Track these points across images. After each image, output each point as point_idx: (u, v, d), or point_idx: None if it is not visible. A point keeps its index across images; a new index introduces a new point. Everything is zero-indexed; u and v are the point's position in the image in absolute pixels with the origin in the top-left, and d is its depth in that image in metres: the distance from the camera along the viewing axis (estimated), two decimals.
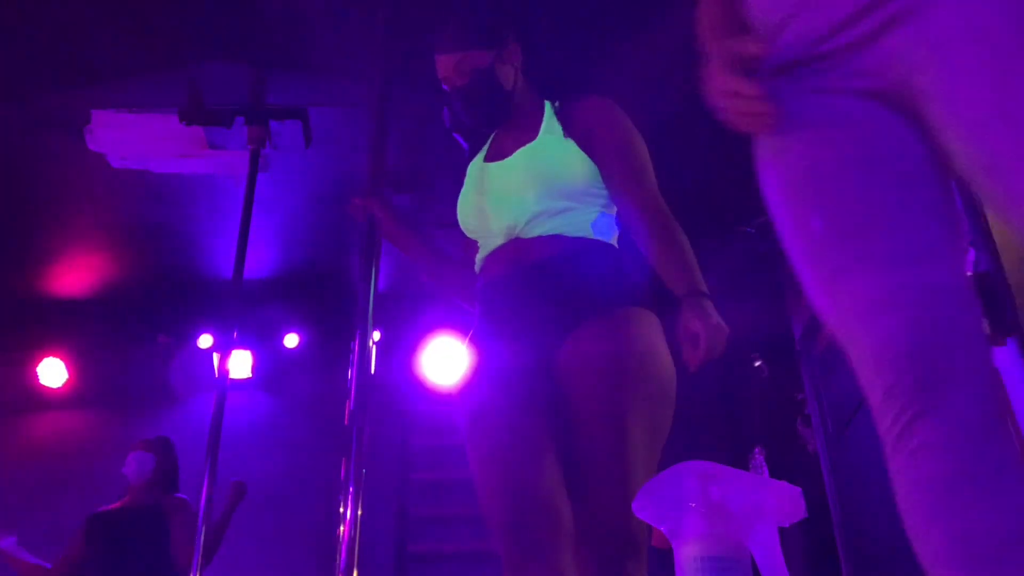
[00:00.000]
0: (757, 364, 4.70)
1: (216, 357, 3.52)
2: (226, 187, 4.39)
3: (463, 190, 2.12)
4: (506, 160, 2.02)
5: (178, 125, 3.83)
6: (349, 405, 1.76)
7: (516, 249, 1.93)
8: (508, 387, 1.84)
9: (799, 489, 0.72)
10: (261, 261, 5.01)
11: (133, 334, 5.47)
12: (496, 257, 1.97)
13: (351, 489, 1.65)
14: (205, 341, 5.31)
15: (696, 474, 0.72)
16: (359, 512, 1.63)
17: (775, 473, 4.24)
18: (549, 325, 1.85)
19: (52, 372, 5.35)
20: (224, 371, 3.43)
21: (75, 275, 5.14)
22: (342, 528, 1.62)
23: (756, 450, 4.83)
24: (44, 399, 5.41)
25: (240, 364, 5.21)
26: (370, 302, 1.87)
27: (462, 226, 2.09)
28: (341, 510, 1.64)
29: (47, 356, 5.36)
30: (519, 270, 1.91)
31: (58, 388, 5.37)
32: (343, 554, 1.58)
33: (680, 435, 5.39)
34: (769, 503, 0.72)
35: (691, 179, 3.98)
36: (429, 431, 5.08)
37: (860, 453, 3.40)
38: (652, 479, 0.71)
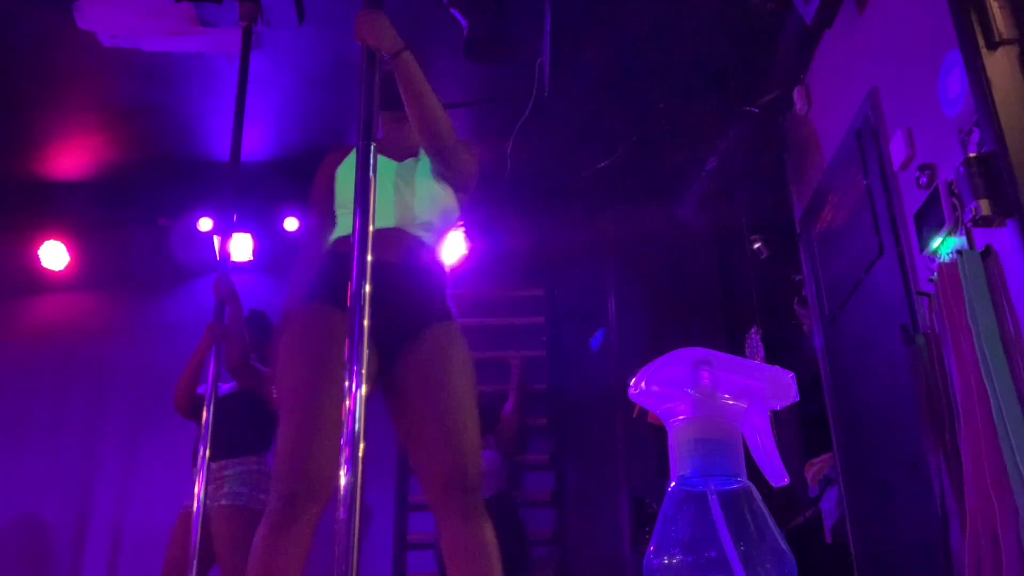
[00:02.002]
0: (756, 245, 4.71)
1: (216, 240, 3.53)
2: (221, 67, 4.31)
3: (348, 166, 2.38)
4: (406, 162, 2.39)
5: (168, 1, 3.73)
6: (351, 288, 1.78)
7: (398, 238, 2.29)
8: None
9: (792, 374, 0.74)
10: (259, 143, 4.96)
11: (132, 217, 5.47)
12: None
13: (355, 368, 1.68)
14: (205, 224, 5.30)
15: (690, 360, 0.73)
16: (364, 387, 1.67)
17: (771, 352, 4.31)
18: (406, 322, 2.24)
19: (54, 254, 5.37)
20: (225, 254, 3.45)
21: (72, 157, 5.09)
22: (347, 403, 1.65)
23: (753, 330, 4.94)
24: (47, 282, 5.45)
25: (241, 247, 5.22)
26: (371, 187, 1.87)
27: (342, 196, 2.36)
28: (346, 384, 1.67)
29: (48, 239, 5.37)
30: (390, 264, 2.21)
31: (60, 271, 5.40)
32: (350, 426, 1.63)
33: (679, 315, 5.49)
34: (761, 388, 0.74)
35: (695, 59, 3.92)
36: None
37: (854, 334, 3.45)
38: (648, 364, 0.72)
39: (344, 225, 2.33)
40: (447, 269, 2.43)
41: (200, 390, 3.71)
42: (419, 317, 2.25)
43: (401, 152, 2.42)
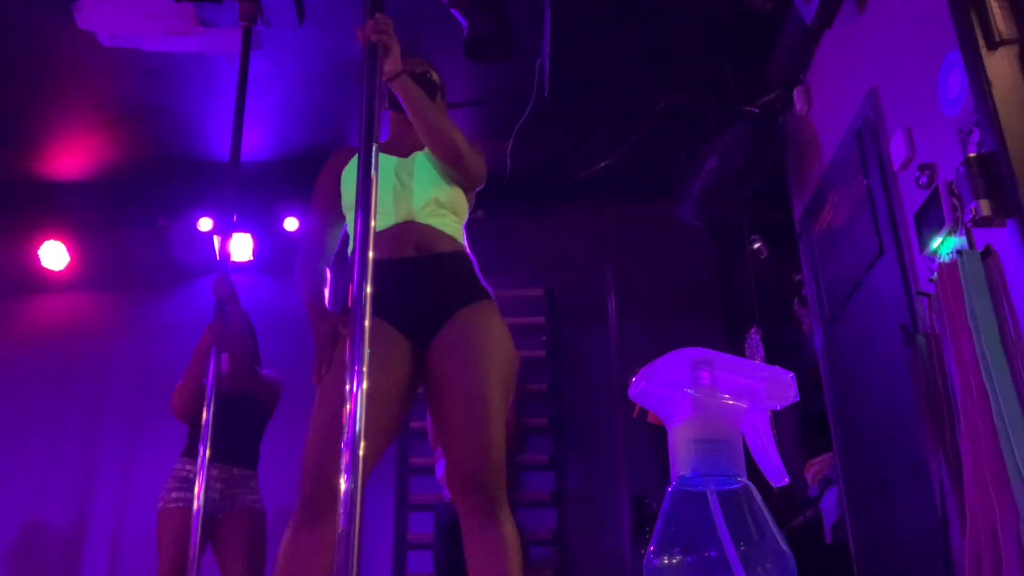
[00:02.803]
0: (756, 245, 4.72)
1: (217, 240, 3.53)
2: (221, 67, 4.31)
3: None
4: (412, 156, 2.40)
5: (168, 1, 3.73)
6: (352, 289, 1.77)
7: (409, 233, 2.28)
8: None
9: (792, 374, 0.74)
10: (259, 143, 4.96)
11: (132, 217, 5.47)
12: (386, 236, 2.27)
13: (356, 368, 1.68)
14: (205, 224, 5.31)
15: (690, 360, 0.73)
16: (364, 385, 1.66)
17: (771, 352, 4.30)
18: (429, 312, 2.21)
19: (54, 255, 5.37)
20: (225, 254, 3.45)
21: (72, 157, 5.10)
22: (348, 405, 1.65)
23: (753, 330, 4.94)
24: (47, 282, 5.45)
25: (241, 247, 5.22)
26: (372, 187, 1.86)
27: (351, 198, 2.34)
28: (347, 387, 1.66)
29: (48, 239, 5.37)
30: (406, 259, 2.23)
31: (60, 271, 5.40)
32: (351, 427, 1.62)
33: (679, 315, 5.50)
34: (761, 388, 0.74)
35: (695, 59, 3.92)
36: None
37: (854, 334, 3.45)
38: (648, 364, 0.72)
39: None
40: (469, 252, 2.38)
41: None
42: (443, 305, 2.22)
43: (407, 149, 2.44)
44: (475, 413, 2.07)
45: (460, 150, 2.31)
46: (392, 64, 2.17)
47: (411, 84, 2.27)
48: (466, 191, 2.44)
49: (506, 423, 4.73)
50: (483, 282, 2.31)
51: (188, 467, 3.58)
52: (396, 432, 2.22)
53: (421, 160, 2.39)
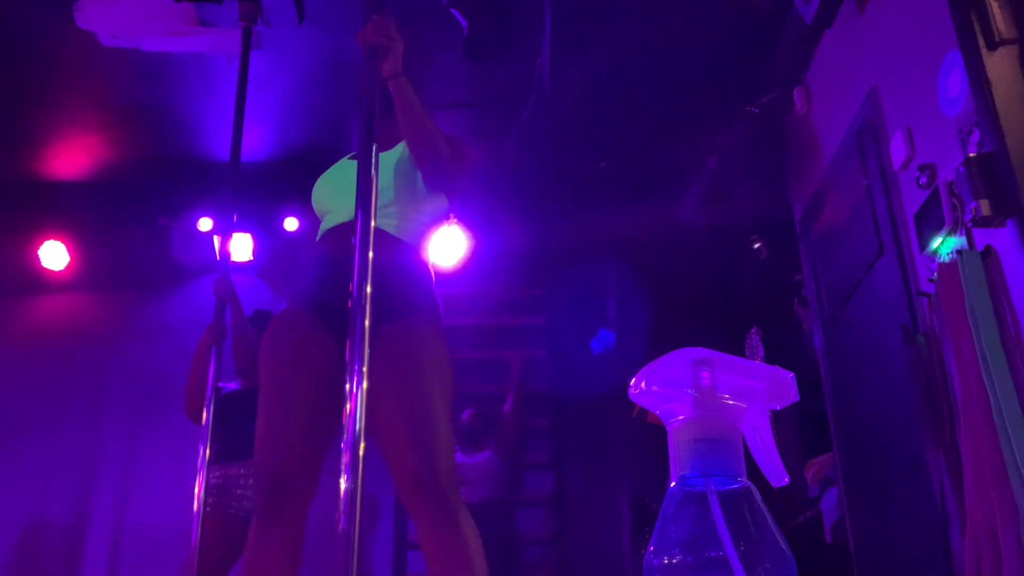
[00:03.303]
0: (756, 245, 4.72)
1: (217, 240, 3.53)
2: (221, 67, 4.31)
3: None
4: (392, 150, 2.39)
5: (168, 1, 3.74)
6: (352, 290, 1.77)
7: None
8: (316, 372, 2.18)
9: (792, 374, 0.74)
10: (259, 143, 4.96)
11: (132, 217, 5.47)
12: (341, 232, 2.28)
13: (355, 368, 1.67)
14: (205, 224, 5.30)
15: (689, 360, 0.73)
16: (364, 385, 1.66)
17: (771, 352, 4.30)
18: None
19: (54, 255, 5.37)
20: (225, 254, 3.45)
21: (72, 157, 5.10)
22: (349, 405, 1.65)
23: (753, 330, 4.93)
24: (47, 282, 5.45)
25: (241, 247, 5.22)
26: (372, 186, 1.86)
27: (321, 203, 2.44)
28: (347, 387, 1.66)
29: (48, 239, 5.36)
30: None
31: (60, 271, 5.40)
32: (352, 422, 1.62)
33: (679, 315, 5.49)
34: (761, 388, 0.74)
35: (695, 59, 3.92)
36: None
37: (854, 334, 3.45)
38: (648, 364, 0.72)
39: (324, 225, 2.39)
40: (428, 265, 2.39)
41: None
42: (386, 312, 2.15)
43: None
44: (425, 421, 2.09)
45: (442, 157, 2.30)
46: (392, 64, 2.16)
47: (409, 86, 2.26)
48: (441, 195, 2.42)
49: (507, 423, 4.73)
50: (427, 295, 2.30)
51: (216, 472, 3.55)
52: (330, 429, 2.20)
53: (387, 161, 2.36)
